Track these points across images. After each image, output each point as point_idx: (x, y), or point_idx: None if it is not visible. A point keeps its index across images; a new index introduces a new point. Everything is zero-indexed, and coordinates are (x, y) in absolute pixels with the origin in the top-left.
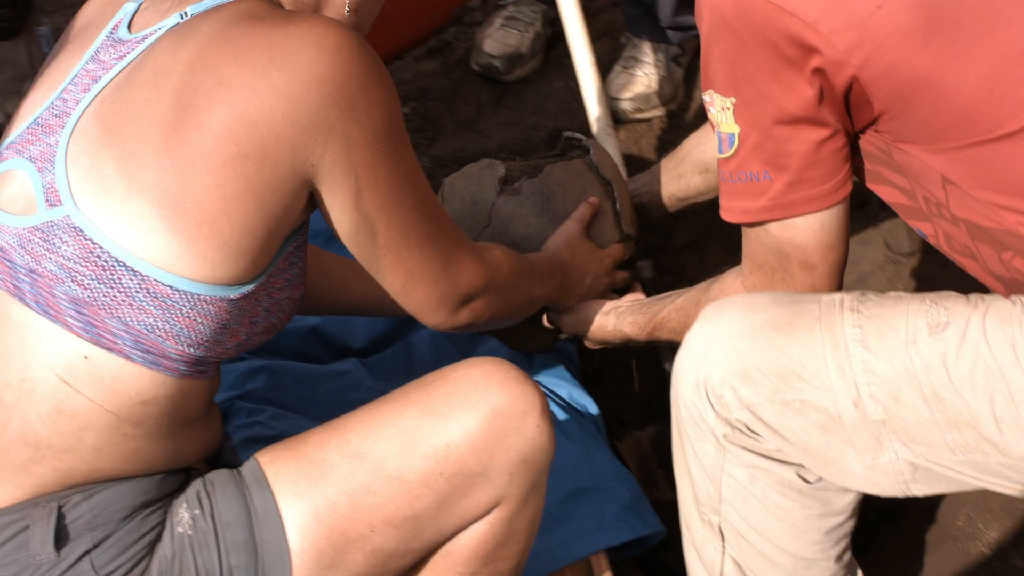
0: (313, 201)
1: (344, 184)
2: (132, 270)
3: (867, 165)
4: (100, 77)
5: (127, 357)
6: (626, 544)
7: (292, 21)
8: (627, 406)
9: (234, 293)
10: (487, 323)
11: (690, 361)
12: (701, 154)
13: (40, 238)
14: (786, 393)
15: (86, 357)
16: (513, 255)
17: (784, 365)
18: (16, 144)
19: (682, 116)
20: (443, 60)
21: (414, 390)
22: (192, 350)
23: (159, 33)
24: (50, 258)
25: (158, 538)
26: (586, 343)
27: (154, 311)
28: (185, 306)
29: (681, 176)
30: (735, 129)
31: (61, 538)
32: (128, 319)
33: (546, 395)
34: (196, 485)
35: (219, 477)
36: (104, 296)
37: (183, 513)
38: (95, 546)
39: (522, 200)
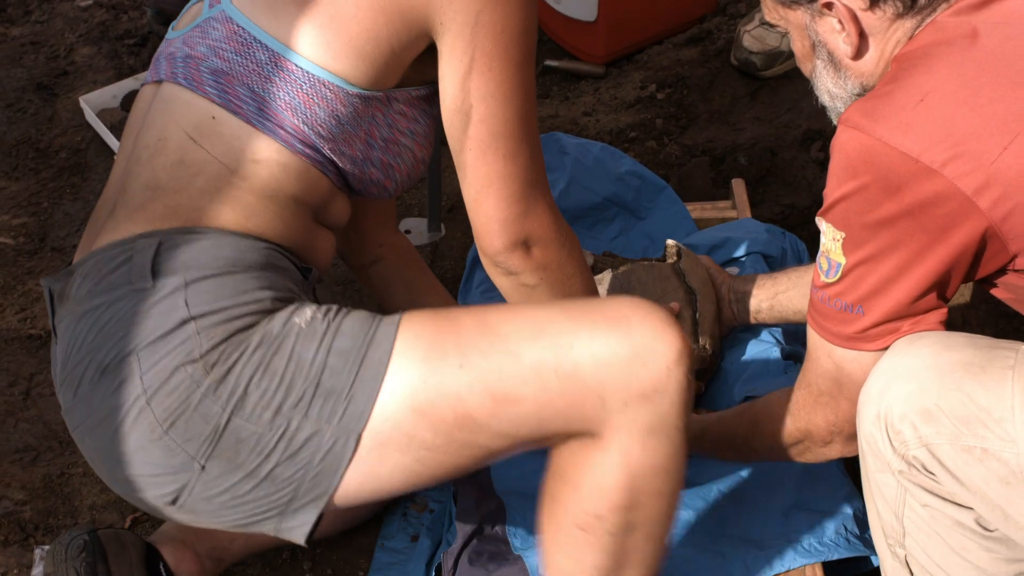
0: (439, 52)
1: (461, 58)
2: (265, 46)
3: (1010, 296)
4: None
5: (248, 120)
6: (845, 562)
7: None
8: None
9: (351, 88)
10: (533, 288)
11: (874, 392)
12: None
13: (199, 32)
14: (968, 439)
15: (213, 117)
16: (586, 263)
17: (969, 409)
18: None
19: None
20: (703, 49)
21: (569, 300)
22: (306, 128)
23: None
24: (202, 42)
25: (268, 315)
26: None
27: (279, 82)
28: (305, 84)
29: (793, 288)
30: (842, 260)
31: (158, 271)
32: (256, 86)
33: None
34: (329, 304)
35: (357, 308)
36: (239, 67)
37: (308, 312)
38: (187, 284)
39: (601, 291)
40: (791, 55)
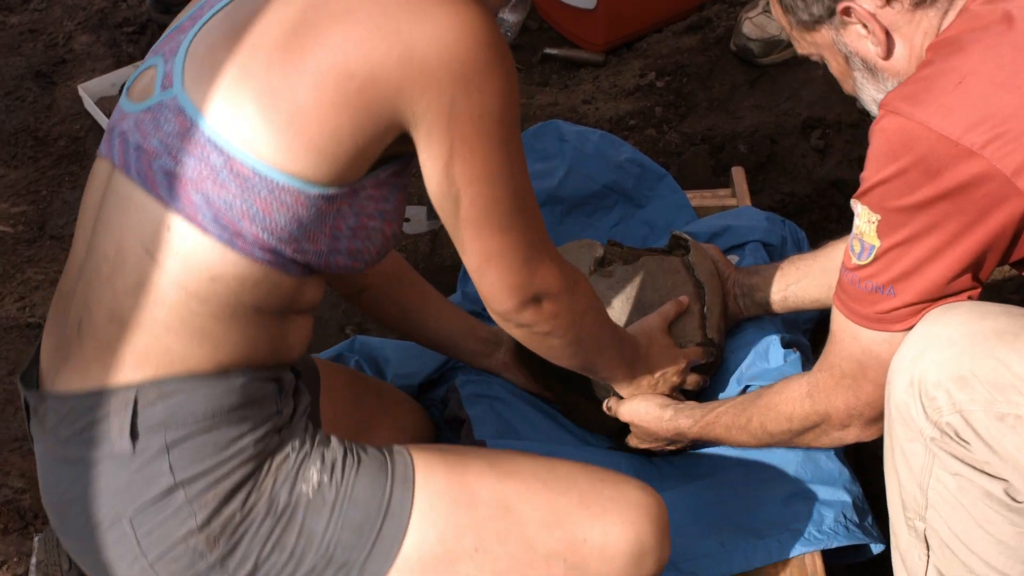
0: (413, 141)
1: (439, 147)
2: (220, 149)
3: None
4: None
5: (204, 230)
6: (844, 550)
7: None
8: None
9: (312, 190)
10: (547, 335)
11: (906, 360)
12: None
13: (150, 118)
14: (1002, 406)
15: (168, 227)
16: (595, 293)
17: (1004, 377)
18: (159, 46)
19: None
20: (702, 37)
21: (584, 475)
22: (266, 235)
23: None
24: (154, 135)
25: (257, 467)
26: (630, 440)
27: (235, 189)
28: (263, 190)
29: (809, 277)
30: (876, 243)
31: (136, 432)
32: (210, 194)
33: None
34: (335, 451)
35: (369, 456)
36: (192, 171)
37: (313, 473)
38: (168, 447)
39: (612, 283)
40: (790, 44)
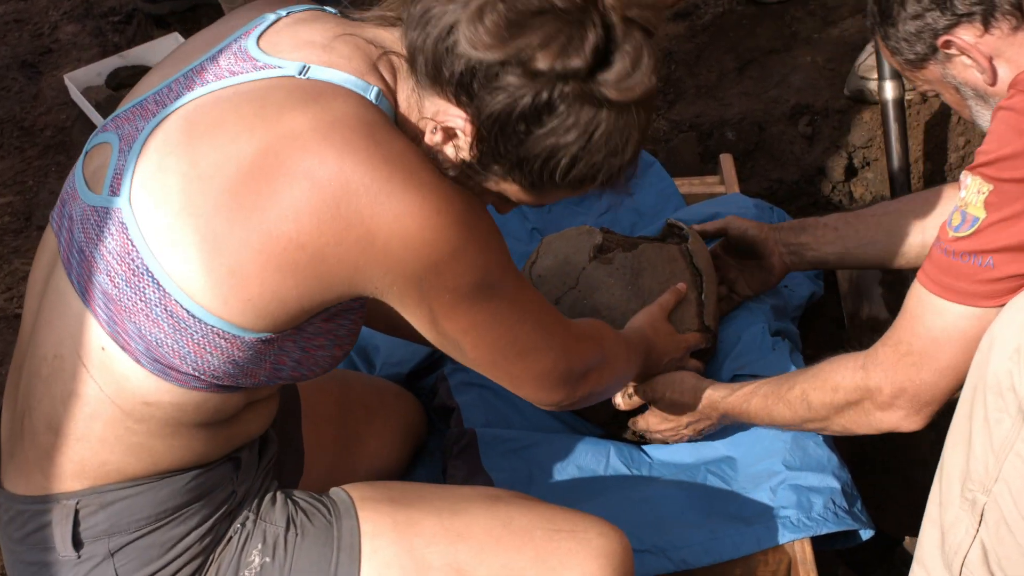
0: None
1: (417, 311)
2: (157, 283)
3: None
4: (208, 82)
5: (137, 360)
6: (834, 536)
7: (402, 167)
8: None
9: (250, 336)
10: (604, 392)
11: (1014, 326)
12: (909, 231)
13: (95, 221)
14: None
15: (103, 348)
16: (609, 327)
17: None
18: (120, 118)
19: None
20: (690, 24)
21: (542, 526)
22: (199, 374)
23: (278, 73)
24: (97, 245)
25: (208, 557)
26: (643, 420)
27: (167, 328)
28: (197, 332)
29: (874, 243)
30: (981, 215)
31: (79, 541)
32: (142, 328)
33: None
34: (278, 524)
35: (313, 525)
36: (128, 299)
37: (255, 556)
38: (112, 553)
39: (612, 271)
40: None
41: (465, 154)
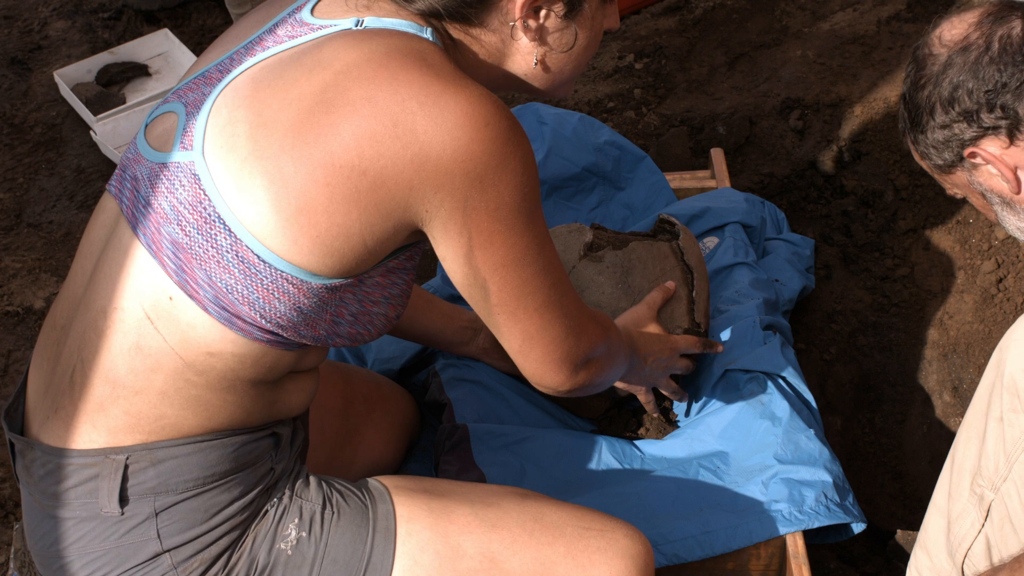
0: (426, 234)
1: (457, 240)
2: (229, 230)
3: None
4: (269, 47)
5: (204, 308)
6: (826, 529)
7: (454, 82)
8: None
9: (317, 281)
10: (599, 384)
11: None
12: None
13: (165, 176)
14: None
15: (171, 298)
16: (614, 322)
17: None
18: (181, 90)
19: None
20: (680, 18)
21: (572, 523)
22: (264, 321)
23: (333, 29)
24: (167, 197)
25: (245, 530)
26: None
27: (237, 274)
28: (266, 278)
29: None
30: None
31: (125, 497)
32: (213, 274)
33: (766, 376)
34: (314, 502)
35: (349, 506)
36: (199, 247)
37: (291, 530)
38: (157, 513)
39: (602, 268)
40: None
41: (558, 7)
